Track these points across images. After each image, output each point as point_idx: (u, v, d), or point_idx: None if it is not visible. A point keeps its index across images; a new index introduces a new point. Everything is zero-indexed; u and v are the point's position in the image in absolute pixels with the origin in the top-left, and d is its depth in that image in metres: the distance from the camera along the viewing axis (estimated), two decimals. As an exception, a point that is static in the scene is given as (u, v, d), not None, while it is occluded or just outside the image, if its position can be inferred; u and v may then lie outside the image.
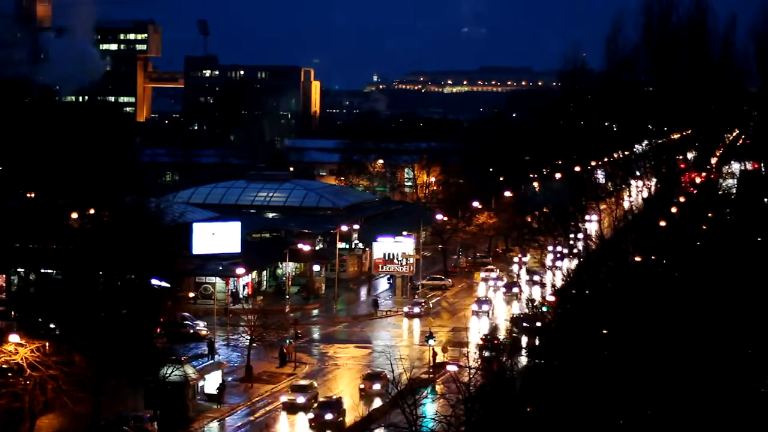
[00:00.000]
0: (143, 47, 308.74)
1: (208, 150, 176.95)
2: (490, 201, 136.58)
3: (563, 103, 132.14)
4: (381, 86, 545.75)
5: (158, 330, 76.74)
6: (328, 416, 65.15)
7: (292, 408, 69.53)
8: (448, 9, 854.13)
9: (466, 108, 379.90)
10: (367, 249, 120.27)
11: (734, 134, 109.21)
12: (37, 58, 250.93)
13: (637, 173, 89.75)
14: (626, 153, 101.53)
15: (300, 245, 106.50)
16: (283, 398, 70.74)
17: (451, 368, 64.77)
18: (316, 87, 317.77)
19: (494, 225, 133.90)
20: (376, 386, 71.93)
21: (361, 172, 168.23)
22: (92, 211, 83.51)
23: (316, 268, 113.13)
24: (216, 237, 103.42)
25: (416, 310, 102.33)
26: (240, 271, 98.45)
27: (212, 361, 76.27)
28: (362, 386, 72.78)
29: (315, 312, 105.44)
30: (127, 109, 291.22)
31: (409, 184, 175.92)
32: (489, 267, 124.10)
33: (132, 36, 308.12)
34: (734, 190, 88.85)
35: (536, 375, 48.43)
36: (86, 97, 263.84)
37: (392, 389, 49.78)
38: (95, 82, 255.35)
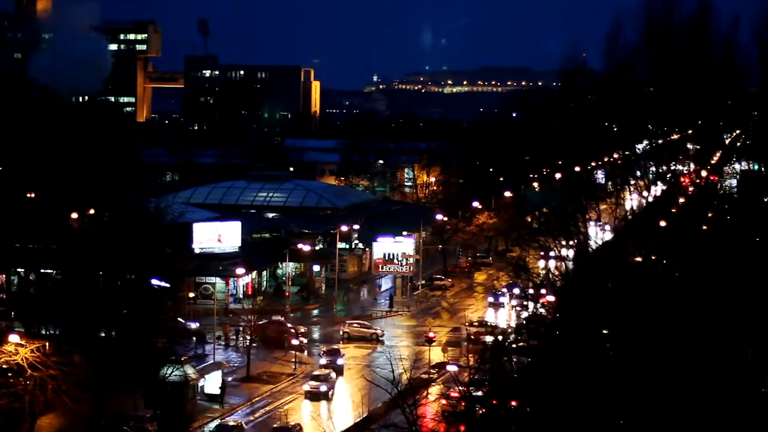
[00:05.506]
0: (143, 47, 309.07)
1: (208, 150, 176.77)
2: (490, 201, 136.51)
3: (563, 103, 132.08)
4: (381, 86, 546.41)
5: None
6: None
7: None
8: (448, 9, 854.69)
9: (466, 108, 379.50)
10: (367, 249, 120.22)
11: (734, 134, 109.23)
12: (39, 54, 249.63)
13: (638, 173, 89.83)
14: (626, 153, 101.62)
15: (300, 245, 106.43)
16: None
17: (451, 368, 64.68)
18: (316, 87, 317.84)
19: (494, 225, 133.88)
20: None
21: (361, 172, 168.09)
22: (92, 211, 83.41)
23: (316, 268, 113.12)
24: (216, 237, 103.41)
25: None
26: (240, 271, 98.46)
27: (212, 361, 76.25)
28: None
29: (315, 312, 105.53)
30: (127, 109, 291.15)
31: (409, 184, 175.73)
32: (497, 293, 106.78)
33: (132, 36, 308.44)
34: (734, 190, 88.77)
35: (535, 374, 48.37)
36: (86, 98, 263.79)
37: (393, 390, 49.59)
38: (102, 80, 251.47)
